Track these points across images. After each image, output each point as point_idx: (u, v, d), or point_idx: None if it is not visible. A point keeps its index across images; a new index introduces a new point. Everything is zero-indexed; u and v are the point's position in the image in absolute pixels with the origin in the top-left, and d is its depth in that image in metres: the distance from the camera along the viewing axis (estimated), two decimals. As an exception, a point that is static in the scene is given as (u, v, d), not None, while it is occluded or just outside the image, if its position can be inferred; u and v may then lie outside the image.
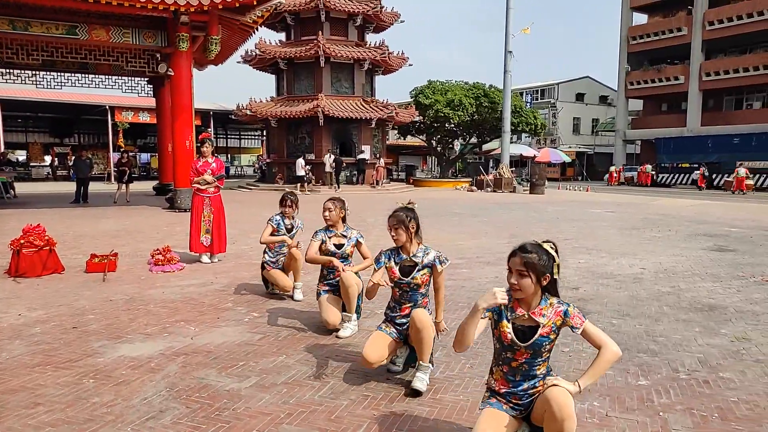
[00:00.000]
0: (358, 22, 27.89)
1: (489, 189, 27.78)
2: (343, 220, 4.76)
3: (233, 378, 3.67)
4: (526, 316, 2.46)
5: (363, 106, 27.37)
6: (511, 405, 2.54)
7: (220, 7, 14.56)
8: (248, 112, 27.35)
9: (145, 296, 5.81)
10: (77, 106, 33.96)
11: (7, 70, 18.26)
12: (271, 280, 5.77)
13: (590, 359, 2.93)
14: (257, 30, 18.12)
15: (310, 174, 25.27)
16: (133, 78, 20.15)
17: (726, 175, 31.52)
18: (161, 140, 20.29)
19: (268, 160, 30.92)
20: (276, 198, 6.32)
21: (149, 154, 40.97)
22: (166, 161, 18.97)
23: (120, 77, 19.96)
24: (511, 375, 2.53)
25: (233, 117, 31.16)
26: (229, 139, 50.75)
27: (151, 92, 20.89)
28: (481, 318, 2.47)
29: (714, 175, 33.15)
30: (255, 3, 14.82)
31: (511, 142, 34.94)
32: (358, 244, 4.73)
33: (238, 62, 28.55)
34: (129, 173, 18.12)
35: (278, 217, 5.70)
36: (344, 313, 4.60)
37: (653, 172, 37.28)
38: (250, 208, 15.74)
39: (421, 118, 34.20)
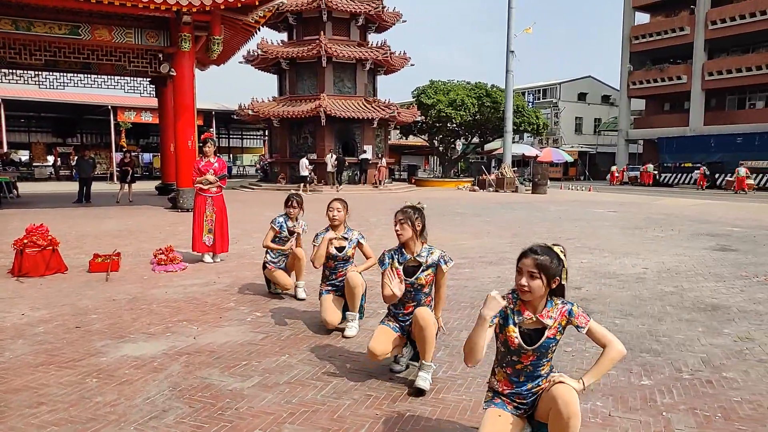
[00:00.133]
0: (360, 22, 27.89)
1: (491, 189, 27.76)
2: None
3: (236, 377, 3.67)
4: (534, 318, 2.45)
5: (365, 106, 27.37)
6: (515, 405, 2.53)
7: (223, 7, 14.58)
8: (250, 112, 27.37)
9: (147, 296, 5.81)
10: (80, 106, 34.04)
11: (10, 70, 18.31)
12: (272, 280, 5.78)
13: (593, 358, 2.93)
14: (259, 30, 18.13)
15: (313, 174, 25.30)
16: (135, 78, 20.17)
17: (728, 175, 31.45)
18: (164, 140, 20.32)
19: (270, 160, 30.93)
20: (278, 198, 6.34)
21: (152, 154, 41.05)
22: (169, 161, 19.01)
23: (122, 77, 20.00)
24: (515, 376, 2.52)
25: (235, 117, 31.19)
26: (231, 139, 50.83)
27: (154, 92, 20.93)
28: (489, 326, 2.46)
29: (717, 175, 33.09)
30: (257, 3, 14.84)
31: (514, 142, 34.93)
32: (359, 245, 4.73)
33: (240, 62, 28.59)
34: (131, 173, 18.13)
35: (281, 219, 5.68)
36: (348, 313, 4.60)
37: (655, 172, 37.21)
38: (253, 208, 15.76)
39: (423, 117, 34.19)
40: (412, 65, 29.88)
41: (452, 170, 40.20)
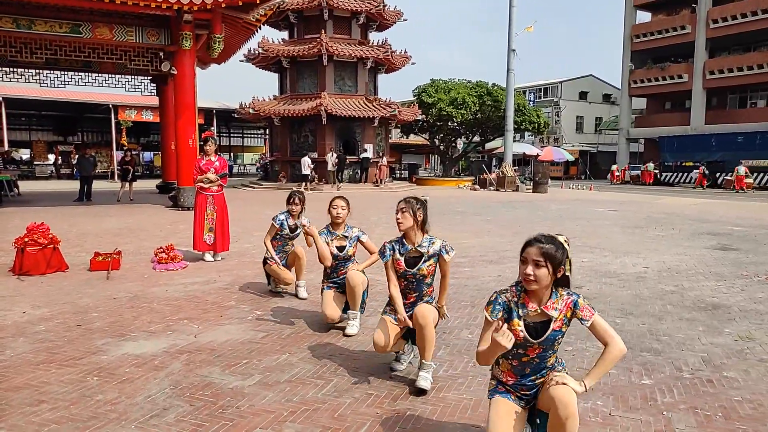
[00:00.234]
0: (361, 21, 27.86)
1: (492, 188, 27.74)
2: None
3: (237, 376, 3.68)
4: (539, 310, 2.42)
5: (366, 104, 27.35)
6: (519, 395, 2.52)
7: (224, 5, 14.59)
8: (251, 111, 27.36)
9: (148, 294, 5.82)
10: (81, 105, 34.03)
11: (11, 69, 18.33)
12: (273, 275, 5.76)
13: (594, 358, 2.93)
14: (260, 28, 18.11)
15: (314, 172, 25.31)
16: (136, 76, 20.20)
17: (727, 174, 31.42)
18: (164, 138, 20.33)
19: (270, 158, 30.92)
20: (279, 196, 6.33)
21: (152, 153, 41.02)
22: (170, 160, 19.01)
23: (123, 76, 20.03)
24: (521, 368, 2.50)
25: (236, 115, 31.17)
26: (232, 138, 50.77)
27: (155, 91, 20.95)
28: (492, 319, 2.45)
29: (718, 174, 33.05)
30: (258, 1, 14.84)
31: (514, 141, 34.89)
32: (360, 242, 4.72)
33: (241, 61, 28.58)
34: (132, 171, 18.13)
35: (283, 216, 5.65)
36: (350, 311, 4.60)
37: (656, 171, 37.18)
38: (253, 207, 15.76)
39: (424, 116, 34.16)
40: (413, 64, 29.86)
41: (453, 169, 40.17)
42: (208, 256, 7.70)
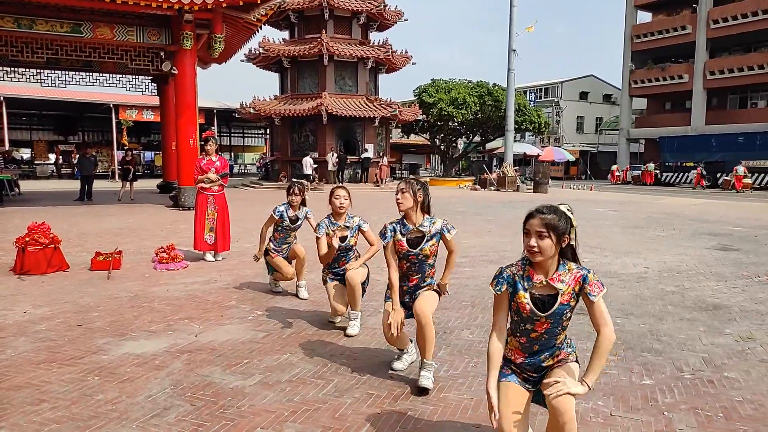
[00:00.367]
0: (362, 21, 27.87)
1: (492, 188, 27.73)
2: None
3: (237, 376, 3.68)
4: (544, 282, 2.37)
5: (367, 104, 27.36)
6: (525, 377, 2.47)
7: (224, 5, 14.58)
8: (252, 111, 27.38)
9: (149, 294, 5.82)
10: (82, 104, 34.03)
11: (12, 68, 18.34)
12: (275, 266, 5.72)
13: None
14: (261, 28, 18.11)
15: (315, 172, 25.32)
16: (137, 76, 20.21)
17: (725, 174, 31.40)
18: (165, 138, 20.33)
19: (271, 158, 30.92)
20: (279, 196, 6.32)
21: (153, 152, 41.03)
22: (170, 159, 19.02)
23: (124, 75, 20.03)
24: (529, 345, 2.44)
25: (237, 115, 31.19)
26: (232, 138, 50.77)
27: (155, 90, 20.95)
28: (497, 294, 2.43)
29: (718, 174, 33.03)
30: (259, 1, 14.84)
31: (515, 141, 34.89)
32: (362, 232, 4.64)
33: (242, 60, 28.61)
34: (133, 171, 18.14)
35: (282, 208, 5.60)
36: (351, 312, 4.59)
37: (656, 171, 37.17)
38: (254, 206, 15.75)
39: (424, 116, 34.17)
40: (413, 64, 29.86)
41: (453, 169, 40.21)
42: (209, 256, 7.70)
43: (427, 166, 56.92)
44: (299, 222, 5.68)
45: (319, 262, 4.66)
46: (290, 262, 5.74)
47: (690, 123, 38.11)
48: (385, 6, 28.07)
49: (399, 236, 3.57)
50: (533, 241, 2.32)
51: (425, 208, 3.60)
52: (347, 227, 4.62)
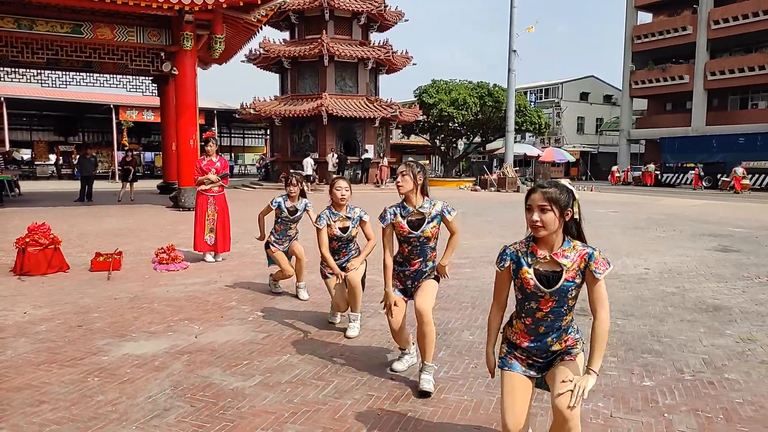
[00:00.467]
0: (363, 21, 27.88)
1: (493, 188, 27.74)
2: None
3: (237, 377, 3.68)
4: (548, 257, 2.33)
5: (367, 105, 27.37)
6: (530, 363, 2.43)
7: (225, 5, 14.59)
8: (252, 111, 27.39)
9: (149, 295, 5.82)
10: (82, 105, 34.06)
11: (13, 69, 18.35)
12: (275, 260, 5.71)
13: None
14: (261, 29, 18.12)
15: (315, 173, 25.33)
16: (137, 77, 20.21)
17: (723, 175, 31.39)
18: (165, 139, 20.34)
19: (271, 159, 30.92)
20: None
21: (153, 153, 41.04)
22: (170, 160, 19.02)
23: (124, 76, 20.04)
24: (534, 327, 2.40)
25: (237, 116, 31.20)
26: (233, 138, 50.79)
27: (156, 91, 20.95)
28: (500, 270, 2.44)
29: (719, 175, 33.03)
30: (259, 2, 14.85)
31: (515, 142, 34.88)
32: (362, 223, 4.60)
33: (242, 61, 28.59)
34: (133, 172, 18.14)
35: (280, 199, 5.59)
36: (351, 313, 4.58)
37: (657, 172, 37.16)
38: (254, 207, 15.68)
39: (425, 117, 34.16)
40: (414, 64, 29.85)
41: (454, 170, 40.20)
42: (209, 257, 7.70)
43: (427, 166, 56.90)
44: (299, 213, 5.65)
45: (319, 263, 4.66)
46: (289, 258, 5.73)
47: (690, 124, 38.10)
48: (385, 6, 28.07)
49: (399, 219, 3.55)
50: (536, 216, 2.30)
51: (425, 191, 3.60)
52: (348, 218, 4.57)
